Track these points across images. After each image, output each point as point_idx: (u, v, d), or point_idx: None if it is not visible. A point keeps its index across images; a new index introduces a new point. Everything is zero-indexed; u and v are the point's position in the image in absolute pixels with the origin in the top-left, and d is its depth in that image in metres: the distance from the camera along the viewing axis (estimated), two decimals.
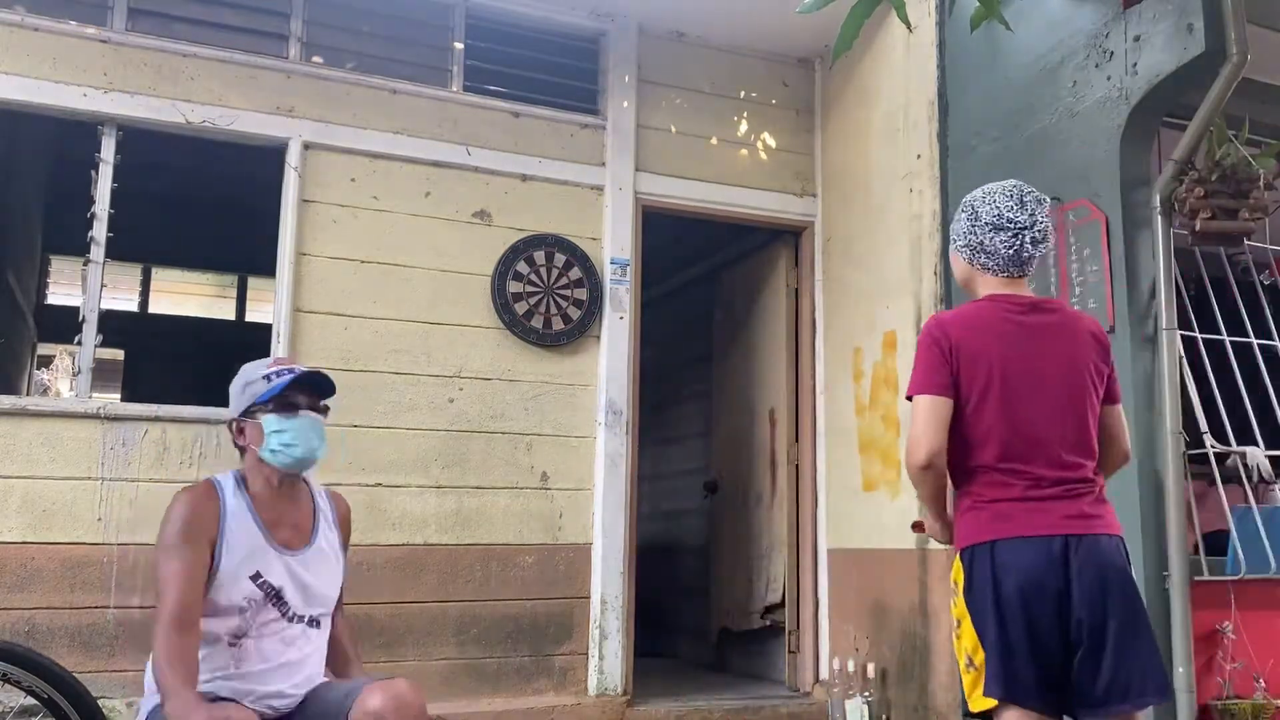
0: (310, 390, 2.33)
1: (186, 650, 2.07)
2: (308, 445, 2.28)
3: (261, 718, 2.12)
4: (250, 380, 2.31)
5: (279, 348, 4.17)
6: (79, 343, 4.04)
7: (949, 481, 2.34)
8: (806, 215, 5.22)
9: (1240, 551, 3.28)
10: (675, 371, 6.63)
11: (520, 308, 4.57)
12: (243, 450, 2.34)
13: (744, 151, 5.17)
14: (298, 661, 2.27)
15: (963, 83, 4.23)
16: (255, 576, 2.22)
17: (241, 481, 2.32)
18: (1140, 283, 3.37)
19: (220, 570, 2.18)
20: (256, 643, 2.22)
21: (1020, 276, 2.34)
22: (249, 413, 2.29)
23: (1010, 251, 2.29)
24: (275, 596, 2.24)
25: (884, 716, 4.27)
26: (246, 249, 6.35)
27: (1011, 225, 2.28)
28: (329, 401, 2.40)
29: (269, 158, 4.38)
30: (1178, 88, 3.30)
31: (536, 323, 4.59)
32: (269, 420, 2.26)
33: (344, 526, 2.50)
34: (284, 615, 2.25)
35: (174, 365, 8.56)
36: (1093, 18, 3.57)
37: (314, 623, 2.32)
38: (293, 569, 2.28)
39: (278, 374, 2.29)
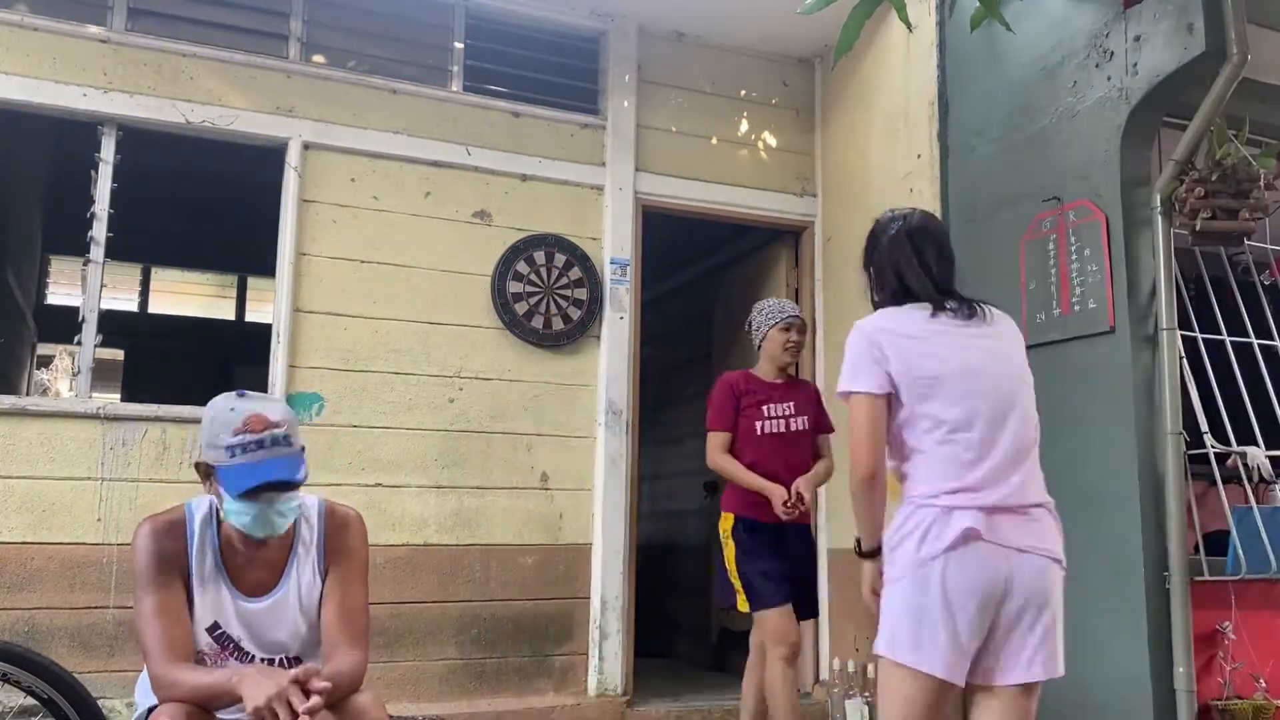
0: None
1: (185, 669, 1.99)
2: (267, 527, 2.05)
3: None
4: (214, 436, 2.01)
5: (279, 348, 4.17)
6: (79, 343, 4.04)
7: None
8: (806, 215, 5.22)
9: (1240, 551, 3.28)
10: (675, 371, 6.62)
11: (520, 308, 4.57)
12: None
13: (744, 151, 5.17)
14: None
15: (963, 83, 4.23)
16: (213, 628, 2.10)
17: (216, 514, 2.13)
18: (1140, 282, 3.36)
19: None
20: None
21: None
22: (211, 467, 2.03)
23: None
24: (234, 647, 2.13)
25: None
26: (246, 249, 6.35)
27: None
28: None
29: (269, 158, 4.38)
30: (1178, 88, 3.29)
31: (537, 323, 4.59)
32: (228, 499, 2.01)
33: (334, 537, 2.22)
34: (241, 660, 2.12)
35: (174, 365, 8.55)
36: (1093, 18, 3.56)
37: (282, 663, 2.15)
38: (250, 618, 2.12)
39: (243, 448, 1.98)
